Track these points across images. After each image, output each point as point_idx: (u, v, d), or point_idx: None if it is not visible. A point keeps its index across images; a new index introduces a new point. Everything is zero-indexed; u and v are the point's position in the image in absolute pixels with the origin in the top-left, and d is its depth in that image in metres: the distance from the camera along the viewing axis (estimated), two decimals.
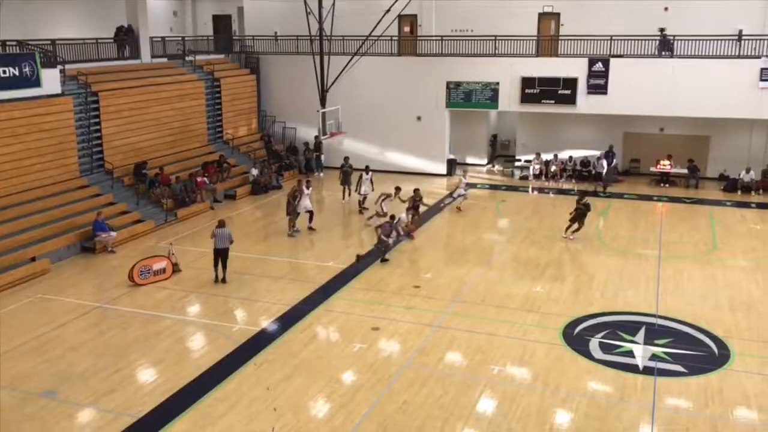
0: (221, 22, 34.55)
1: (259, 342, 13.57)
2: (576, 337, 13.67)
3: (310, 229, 20.84)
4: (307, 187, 21.02)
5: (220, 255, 16.73)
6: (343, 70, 25.21)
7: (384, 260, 18.12)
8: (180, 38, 29.29)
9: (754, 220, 22.40)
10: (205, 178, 24.09)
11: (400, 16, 26.95)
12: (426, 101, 28.35)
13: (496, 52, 27.26)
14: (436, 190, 26.09)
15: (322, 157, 29.44)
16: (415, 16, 29.70)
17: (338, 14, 25.42)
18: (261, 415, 10.99)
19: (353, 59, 25.37)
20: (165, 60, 27.42)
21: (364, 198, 23.14)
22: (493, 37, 27.12)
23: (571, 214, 19.91)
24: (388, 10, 24.47)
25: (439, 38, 28.20)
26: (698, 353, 13.01)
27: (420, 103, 28.44)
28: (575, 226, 19.78)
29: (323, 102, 25.37)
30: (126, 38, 25.88)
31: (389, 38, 27.61)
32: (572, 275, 17.41)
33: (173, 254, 17.52)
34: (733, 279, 16.96)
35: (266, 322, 14.50)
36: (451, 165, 29.13)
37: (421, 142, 28.72)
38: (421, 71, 28.19)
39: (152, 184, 22.62)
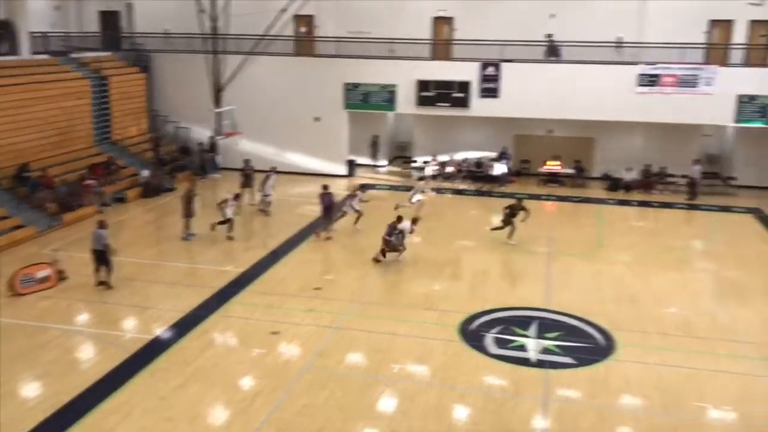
0: (108, 19, 33.06)
1: (152, 350, 13.08)
2: (472, 334, 14.02)
3: (229, 238, 20.08)
4: (235, 199, 20.46)
5: (97, 257, 16.03)
6: (237, 70, 24.78)
7: (377, 260, 17.92)
8: (64, 34, 27.82)
9: (636, 218, 23.76)
10: (93, 181, 23.00)
11: (296, 16, 26.80)
12: (324, 102, 28.28)
13: (393, 54, 27.59)
14: (336, 191, 26.00)
15: (218, 158, 28.79)
16: (312, 16, 29.62)
17: (232, 12, 24.94)
18: (155, 426, 10.59)
19: (248, 59, 24.97)
20: (47, 57, 25.96)
21: (267, 201, 22.75)
22: (390, 40, 27.43)
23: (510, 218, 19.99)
24: (284, 10, 24.26)
25: (336, 39, 28.22)
26: (586, 345, 13.64)
27: (318, 103, 28.34)
28: (507, 229, 19.93)
29: (218, 102, 24.88)
30: (2, 33, 24.28)
31: (285, 38, 27.37)
32: (468, 273, 17.84)
33: (58, 261, 16.62)
34: (617, 274, 17.91)
35: (160, 330, 14.00)
36: (351, 166, 29.21)
37: (319, 142, 28.62)
38: (319, 72, 28.10)
39: (35, 187, 21.36)
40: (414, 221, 18.48)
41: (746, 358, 13.23)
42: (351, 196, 21.25)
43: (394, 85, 27.52)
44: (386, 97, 27.74)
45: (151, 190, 24.86)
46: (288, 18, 24.97)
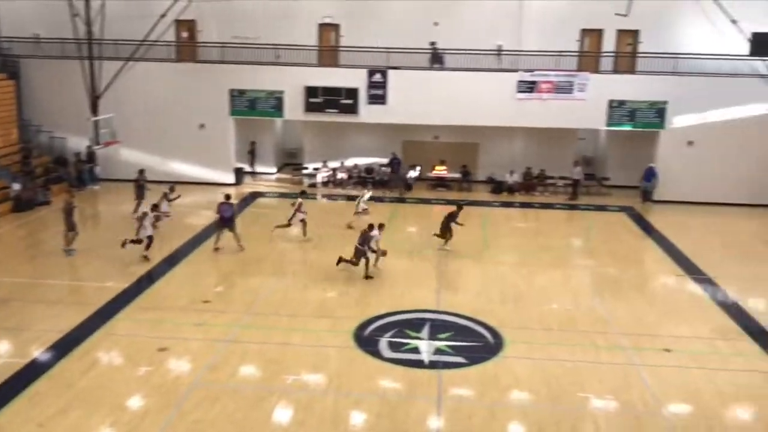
0: None
1: (28, 374, 12.26)
2: (367, 339, 14.09)
3: (145, 257, 18.59)
4: (153, 210, 19.38)
5: None
6: (115, 77, 23.74)
7: (368, 277, 17.58)
8: None
9: (519, 219, 24.72)
10: None
11: (177, 21, 26.04)
12: (209, 109, 27.60)
13: (279, 60, 27.36)
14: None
15: (97, 168, 27.45)
16: (194, 21, 28.89)
17: (110, 17, 23.88)
18: None
19: (127, 65, 23.99)
20: None
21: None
22: (275, 46, 27.20)
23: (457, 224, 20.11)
24: (164, 15, 23.49)
25: (220, 45, 27.65)
26: (476, 344, 14.04)
27: (203, 110, 27.61)
28: (447, 235, 20.04)
29: (95, 110, 23.70)
30: None
31: (166, 43, 26.52)
32: (363, 278, 17.90)
33: None
34: (503, 273, 18.55)
35: (37, 352, 13.15)
36: (239, 174, 28.68)
37: (205, 150, 27.89)
38: (203, 78, 27.40)
39: None
40: (380, 226, 18.29)
41: (623, 349, 14.04)
42: (298, 209, 20.79)
43: (281, 92, 27.28)
44: (273, 103, 27.46)
45: (23, 204, 23.33)
46: (169, 23, 24.18)
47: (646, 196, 26.85)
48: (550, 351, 13.81)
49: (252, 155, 30.27)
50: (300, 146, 31.27)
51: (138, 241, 18.55)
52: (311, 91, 27.04)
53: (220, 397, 11.64)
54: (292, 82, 27.12)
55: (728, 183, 26.46)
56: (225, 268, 18.63)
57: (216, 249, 19.51)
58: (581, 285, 18.00)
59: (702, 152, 26.50)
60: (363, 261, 17.67)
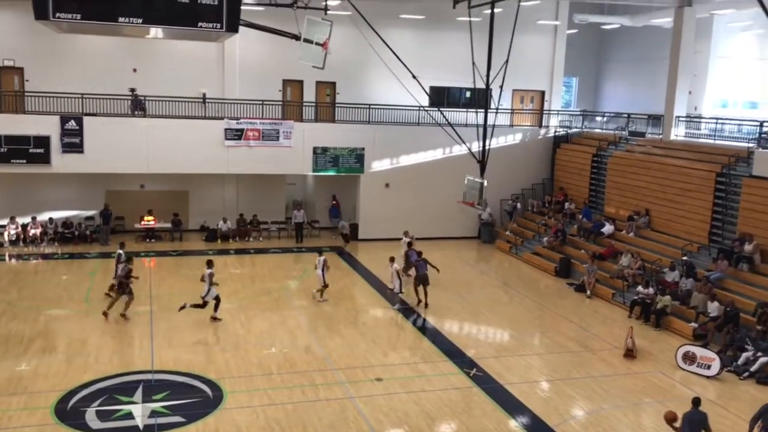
0: None
1: None
2: (70, 412, 12.78)
3: None
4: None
5: None
6: None
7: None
8: None
9: (234, 265, 24.58)
10: None
11: None
12: None
13: None
14: None
15: None
16: None
17: None
18: None
19: None
20: None
21: None
22: None
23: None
24: None
25: None
26: (195, 400, 13.53)
27: None
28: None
29: None
30: None
31: None
32: (63, 344, 16.24)
33: None
34: (221, 322, 18.22)
35: None
36: None
37: None
38: None
39: None
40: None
41: (339, 383, 14.62)
42: (325, 265, 20.57)
43: None
44: None
45: None
46: None
47: (343, 234, 28.53)
48: (271, 396, 13.84)
49: None
50: None
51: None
52: None
53: None
54: None
55: (420, 219, 29.21)
56: None
57: None
58: (298, 325, 18.41)
59: (397, 193, 29.04)
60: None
